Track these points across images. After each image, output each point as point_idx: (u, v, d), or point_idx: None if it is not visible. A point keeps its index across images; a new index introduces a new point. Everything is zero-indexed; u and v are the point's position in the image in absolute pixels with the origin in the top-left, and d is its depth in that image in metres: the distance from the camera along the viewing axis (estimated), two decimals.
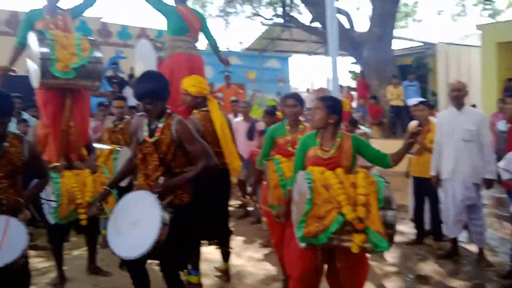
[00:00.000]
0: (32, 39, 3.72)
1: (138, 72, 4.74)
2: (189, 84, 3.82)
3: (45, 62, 3.60)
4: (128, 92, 8.57)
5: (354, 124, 5.58)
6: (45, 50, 3.61)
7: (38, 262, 4.72)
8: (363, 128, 6.22)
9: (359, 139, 3.10)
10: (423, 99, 5.76)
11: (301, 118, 3.74)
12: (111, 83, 8.37)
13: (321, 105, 2.97)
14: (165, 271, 2.97)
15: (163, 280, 2.99)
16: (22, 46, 4.08)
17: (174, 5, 4.57)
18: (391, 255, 4.63)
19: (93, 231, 4.18)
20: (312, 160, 2.95)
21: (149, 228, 2.68)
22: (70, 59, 3.69)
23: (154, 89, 2.85)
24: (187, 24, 4.48)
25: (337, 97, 3.62)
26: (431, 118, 4.97)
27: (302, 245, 2.63)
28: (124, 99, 5.51)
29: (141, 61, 4.58)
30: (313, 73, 19.00)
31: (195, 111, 3.87)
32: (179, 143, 2.90)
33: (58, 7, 4.13)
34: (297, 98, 3.65)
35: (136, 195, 2.89)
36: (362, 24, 13.31)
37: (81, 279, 4.22)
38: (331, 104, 2.97)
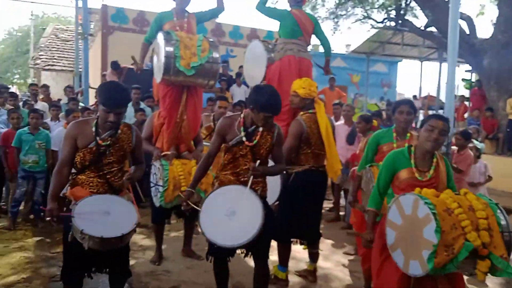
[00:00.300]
0: (160, 38, 4.09)
1: (247, 71, 4.94)
2: (299, 86, 3.89)
3: (169, 60, 3.94)
4: (235, 89, 8.99)
5: (467, 137, 5.17)
6: (170, 49, 3.95)
7: (140, 238, 5.19)
8: (475, 143, 5.75)
9: (448, 161, 2.93)
10: None
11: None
12: (220, 80, 8.84)
13: (447, 127, 2.74)
14: (259, 258, 3.13)
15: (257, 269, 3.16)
16: (149, 43, 4.55)
17: (289, 9, 4.64)
18: (492, 281, 4.26)
19: (192, 217, 4.38)
20: (407, 183, 2.77)
21: (250, 217, 2.88)
22: (191, 58, 3.99)
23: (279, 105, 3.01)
24: (300, 28, 4.54)
25: (452, 106, 3.44)
26: None
27: (419, 273, 2.44)
28: (226, 99, 5.77)
29: (252, 61, 4.73)
30: (422, 79, 17.81)
31: (301, 112, 3.95)
32: (273, 146, 3.13)
33: (186, 10, 4.45)
34: (412, 105, 3.52)
35: (227, 189, 3.04)
36: (483, 30, 12.16)
37: (176, 260, 4.51)
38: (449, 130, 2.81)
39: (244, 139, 3.04)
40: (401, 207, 2.62)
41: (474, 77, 14.92)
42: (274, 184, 3.63)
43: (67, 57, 16.96)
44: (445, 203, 2.50)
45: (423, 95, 16.48)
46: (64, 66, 16.56)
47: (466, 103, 13.02)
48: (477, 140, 6.34)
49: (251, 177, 2.97)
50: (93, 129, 2.79)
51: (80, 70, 10.10)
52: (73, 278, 2.83)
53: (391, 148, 3.35)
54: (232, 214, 2.93)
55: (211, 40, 4.23)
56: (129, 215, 2.77)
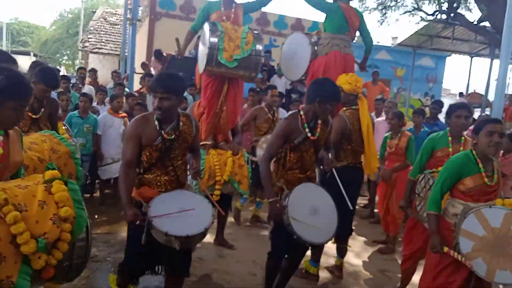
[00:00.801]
0: (206, 28, 4.13)
1: (285, 63, 4.88)
2: (345, 81, 3.88)
3: (212, 51, 3.98)
4: (276, 80, 8.95)
5: None
6: (214, 40, 3.99)
7: None
8: None
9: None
10: None
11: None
12: (261, 70, 8.81)
13: (505, 130, 2.84)
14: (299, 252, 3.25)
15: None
16: (195, 32, 4.62)
17: (338, 2, 4.56)
18: None
19: (225, 206, 4.39)
20: (478, 190, 2.80)
21: (329, 214, 3.09)
22: (234, 50, 4.00)
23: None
24: (348, 23, 4.49)
25: (501, 106, 3.37)
26: None
27: (509, 282, 2.66)
28: (276, 88, 5.85)
29: (292, 53, 4.68)
30: (471, 76, 17.12)
31: (344, 108, 3.94)
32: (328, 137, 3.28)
33: (234, 1, 4.44)
34: (469, 109, 3.51)
35: (303, 187, 3.10)
36: None
37: (208, 248, 4.61)
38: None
39: (309, 134, 3.10)
40: (485, 219, 2.69)
41: None
42: None
43: (114, 41, 17.43)
44: None
45: (470, 92, 15.80)
46: (111, 50, 17.04)
47: None
48: None
49: (334, 171, 3.23)
50: (156, 123, 2.71)
51: (126, 54, 10.37)
52: (133, 273, 2.84)
53: (447, 153, 3.37)
54: (314, 211, 3.04)
55: (256, 32, 4.22)
56: (203, 207, 2.75)
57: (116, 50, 16.73)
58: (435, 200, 2.87)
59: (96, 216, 5.33)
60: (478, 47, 16.33)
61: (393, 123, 4.99)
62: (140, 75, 8.29)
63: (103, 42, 17.27)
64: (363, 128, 3.85)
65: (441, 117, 6.84)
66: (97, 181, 6.19)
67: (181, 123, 2.79)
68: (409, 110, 13.54)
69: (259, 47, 4.13)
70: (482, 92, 15.57)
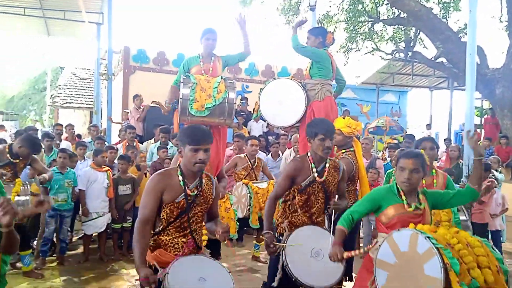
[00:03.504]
0: (181, 81, 4.27)
1: (270, 109, 4.66)
2: (344, 125, 4.03)
3: (184, 103, 4.10)
4: (253, 125, 9.19)
5: (486, 168, 5.21)
6: (186, 91, 4.11)
7: None
8: (495, 173, 5.78)
9: (432, 192, 2.88)
10: None
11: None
12: (238, 115, 9.05)
13: (419, 164, 2.71)
14: None
15: None
16: (177, 86, 4.73)
17: (324, 49, 4.63)
18: None
19: (214, 252, 4.25)
20: (397, 218, 2.70)
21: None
22: (206, 100, 4.12)
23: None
24: (332, 69, 4.61)
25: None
26: None
27: None
28: (258, 139, 6.01)
29: (280, 99, 4.55)
30: (432, 108, 18.03)
31: (343, 150, 4.06)
32: (339, 182, 3.27)
33: (214, 53, 4.53)
34: (434, 141, 3.67)
35: (307, 230, 3.11)
36: (494, 59, 12.30)
37: None
38: (424, 162, 2.78)
39: (315, 175, 3.13)
40: (396, 245, 2.48)
41: (485, 105, 15.02)
42: None
43: (84, 95, 17.46)
44: (444, 239, 2.40)
45: (433, 123, 16.59)
46: (82, 104, 17.03)
47: (478, 130, 13.05)
48: (497, 171, 6.36)
49: (333, 217, 3.06)
50: (180, 179, 2.56)
51: (101, 107, 10.44)
52: None
53: (421, 185, 3.25)
54: (316, 255, 2.99)
55: (230, 81, 4.32)
56: (222, 277, 2.53)
57: (87, 104, 16.73)
58: (345, 218, 2.81)
59: (83, 275, 5.18)
60: (436, 81, 17.35)
61: (394, 163, 5.01)
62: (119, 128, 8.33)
63: (73, 96, 17.25)
64: (361, 168, 4.03)
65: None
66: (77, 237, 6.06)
67: (203, 181, 2.67)
68: (378, 144, 14.06)
69: (232, 95, 4.18)
70: (445, 122, 16.36)
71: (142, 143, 7.93)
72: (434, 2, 13.51)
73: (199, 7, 58.61)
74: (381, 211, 2.76)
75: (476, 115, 15.29)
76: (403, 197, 2.72)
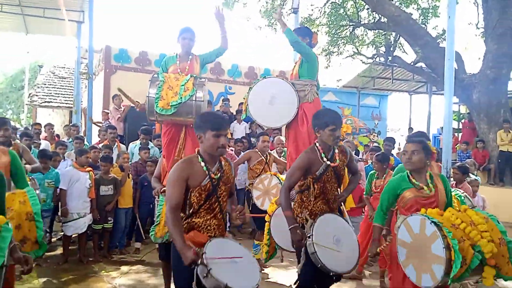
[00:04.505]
0: (150, 79, 4.23)
1: (260, 109, 4.44)
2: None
3: (151, 101, 4.08)
4: (236, 126, 9.20)
5: (464, 171, 5.35)
6: (153, 90, 4.10)
7: (146, 277, 5.17)
8: (473, 177, 5.93)
9: (445, 177, 3.29)
10: None
11: None
12: None
13: (419, 147, 3.14)
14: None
15: None
16: None
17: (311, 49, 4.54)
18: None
19: None
20: (412, 201, 3.11)
21: (351, 243, 3.23)
22: (172, 97, 4.07)
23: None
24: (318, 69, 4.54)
25: (449, 141, 3.84)
26: None
27: (430, 285, 2.76)
28: (267, 134, 5.95)
29: (270, 99, 4.37)
30: (411, 112, 18.44)
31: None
32: (348, 164, 3.50)
33: (191, 53, 4.47)
34: (426, 136, 4.03)
35: (326, 217, 3.27)
36: (471, 64, 12.63)
37: None
38: (427, 146, 3.18)
39: (328, 162, 3.30)
40: (410, 227, 2.94)
41: (462, 109, 15.41)
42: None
43: (64, 94, 17.14)
44: (449, 220, 2.84)
45: (411, 127, 16.93)
46: (61, 103, 16.71)
47: (456, 134, 13.38)
48: (473, 174, 6.52)
49: (342, 204, 3.45)
50: (202, 164, 2.75)
51: (84, 107, 10.27)
52: None
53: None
54: (337, 242, 3.16)
55: (201, 79, 4.25)
56: (250, 259, 2.74)
57: (67, 103, 16.43)
58: (378, 215, 3.31)
59: (62, 277, 5.09)
60: (416, 86, 17.72)
61: (377, 167, 5.24)
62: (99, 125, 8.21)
63: (52, 95, 16.91)
64: None
65: (394, 152, 7.33)
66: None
67: (223, 163, 2.89)
68: (359, 146, 14.24)
69: (200, 93, 4.10)
70: (424, 125, 16.70)
71: (122, 143, 7.84)
72: (413, 8, 13.80)
73: (182, 8, 58.35)
74: (399, 197, 3.18)
75: (454, 119, 15.68)
76: (413, 181, 3.13)
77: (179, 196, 2.66)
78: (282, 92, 4.25)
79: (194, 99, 4.06)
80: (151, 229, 4.16)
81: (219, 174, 2.80)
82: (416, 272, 2.85)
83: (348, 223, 3.44)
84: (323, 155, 3.34)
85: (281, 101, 4.26)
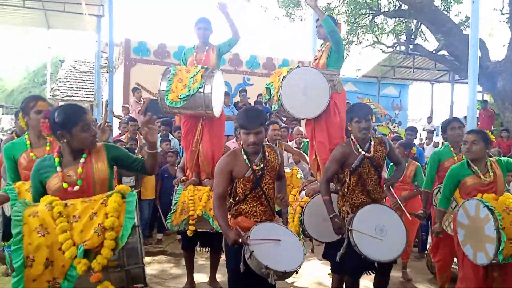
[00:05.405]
0: (162, 73, 4.25)
1: (295, 100, 4.14)
2: None
3: (162, 94, 4.12)
4: None
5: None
6: (164, 83, 4.11)
7: (169, 267, 5.24)
8: None
9: (506, 161, 3.47)
10: None
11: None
12: (238, 108, 9.05)
13: (479, 137, 3.36)
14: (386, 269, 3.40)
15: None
16: None
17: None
18: None
19: (216, 246, 4.24)
20: (472, 188, 3.37)
21: (396, 231, 3.26)
22: (181, 90, 4.07)
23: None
24: None
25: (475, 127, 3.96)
26: None
27: (484, 262, 3.12)
28: (277, 122, 5.88)
29: (303, 89, 4.14)
30: (433, 101, 18.11)
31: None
32: (388, 154, 3.53)
33: (209, 43, 4.46)
34: (459, 120, 4.12)
35: (367, 209, 3.34)
36: (495, 52, 12.27)
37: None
38: (486, 136, 3.41)
39: (363, 153, 3.38)
40: (467, 210, 3.28)
41: (485, 98, 15.04)
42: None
43: (85, 88, 17.43)
44: (504, 204, 3.13)
45: (434, 116, 16.61)
46: (82, 97, 17.01)
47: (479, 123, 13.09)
48: None
49: (391, 190, 3.60)
50: (245, 157, 2.95)
51: (106, 100, 10.42)
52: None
53: (452, 162, 3.88)
54: (380, 231, 3.22)
55: (210, 70, 4.20)
56: (295, 242, 2.88)
57: (88, 97, 16.70)
58: (442, 200, 3.60)
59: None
60: (438, 74, 17.32)
61: (399, 151, 4.94)
62: (119, 120, 8.32)
63: (73, 89, 17.22)
64: None
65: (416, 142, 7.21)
66: None
67: (266, 153, 3.02)
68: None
69: (208, 86, 4.07)
70: (446, 115, 16.36)
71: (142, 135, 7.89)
72: None
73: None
74: (460, 183, 3.45)
75: (478, 108, 15.33)
76: (474, 168, 3.38)
77: (224, 186, 2.92)
78: (315, 81, 4.04)
79: (202, 91, 4.06)
80: (168, 217, 4.22)
81: (261, 165, 2.96)
82: (472, 250, 3.20)
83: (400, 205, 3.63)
84: (358, 146, 3.40)
85: (314, 91, 4.06)
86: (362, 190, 3.41)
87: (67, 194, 2.34)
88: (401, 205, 3.70)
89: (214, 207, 2.90)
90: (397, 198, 3.86)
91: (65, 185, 2.37)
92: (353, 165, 3.37)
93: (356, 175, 3.39)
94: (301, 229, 3.85)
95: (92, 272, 2.08)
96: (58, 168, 2.41)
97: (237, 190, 2.96)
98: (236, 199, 2.99)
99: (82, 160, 2.42)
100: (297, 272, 2.80)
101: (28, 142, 3.10)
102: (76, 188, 2.38)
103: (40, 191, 2.41)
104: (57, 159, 2.42)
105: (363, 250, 3.15)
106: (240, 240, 2.68)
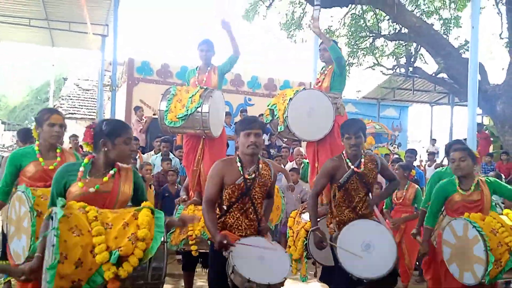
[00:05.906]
0: (162, 94, 4.34)
1: (301, 123, 4.21)
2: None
3: (162, 114, 4.20)
4: None
5: None
6: (163, 103, 4.20)
7: None
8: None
9: (494, 181, 3.48)
10: None
11: None
12: None
13: (465, 154, 3.40)
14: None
15: None
16: None
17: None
18: None
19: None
20: (459, 204, 3.39)
21: (385, 246, 3.20)
22: (180, 110, 4.14)
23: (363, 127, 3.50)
24: None
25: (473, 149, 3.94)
26: None
27: (472, 283, 3.11)
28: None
29: (309, 112, 4.22)
30: (432, 123, 18.23)
31: None
32: (380, 173, 3.53)
33: (211, 64, 4.53)
34: (463, 143, 4.16)
35: (353, 225, 3.28)
36: (494, 75, 12.40)
37: None
38: (472, 152, 3.46)
39: (352, 167, 3.36)
40: (454, 229, 3.26)
41: (485, 121, 15.10)
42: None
43: (87, 106, 17.55)
44: (490, 225, 3.14)
45: (433, 138, 16.66)
46: (84, 115, 17.12)
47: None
48: None
49: (375, 209, 3.52)
50: (239, 164, 2.98)
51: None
52: None
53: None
54: (367, 247, 3.17)
55: (209, 90, 4.25)
56: (280, 255, 2.86)
57: (90, 115, 16.80)
58: (429, 217, 3.59)
59: None
60: (437, 97, 17.47)
61: (398, 173, 5.03)
62: None
63: (76, 107, 17.34)
64: None
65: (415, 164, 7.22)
66: None
67: (260, 166, 3.06)
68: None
69: (205, 106, 4.11)
70: (446, 137, 16.42)
71: (144, 154, 7.94)
72: (435, 19, 13.65)
73: (204, 20, 59.22)
74: (447, 199, 3.47)
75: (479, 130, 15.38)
76: (461, 185, 3.40)
77: (213, 190, 2.95)
78: (320, 104, 4.14)
79: (200, 110, 4.10)
80: (167, 237, 4.16)
81: (253, 175, 2.98)
82: (459, 269, 3.20)
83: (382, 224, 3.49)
84: (347, 160, 3.40)
85: (319, 114, 4.14)
86: (348, 206, 3.39)
87: (89, 201, 2.35)
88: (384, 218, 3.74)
89: (203, 211, 2.92)
90: (380, 216, 3.83)
91: (91, 189, 2.38)
92: (341, 180, 3.36)
93: (343, 191, 3.38)
94: (305, 253, 3.83)
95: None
96: (85, 174, 2.42)
97: (224, 197, 2.96)
98: (223, 209, 2.98)
99: (111, 171, 2.45)
100: (283, 285, 2.73)
101: (37, 150, 3.14)
102: (92, 190, 2.38)
103: (60, 192, 2.41)
104: (86, 164, 2.45)
105: (347, 268, 3.11)
106: (225, 242, 2.68)
